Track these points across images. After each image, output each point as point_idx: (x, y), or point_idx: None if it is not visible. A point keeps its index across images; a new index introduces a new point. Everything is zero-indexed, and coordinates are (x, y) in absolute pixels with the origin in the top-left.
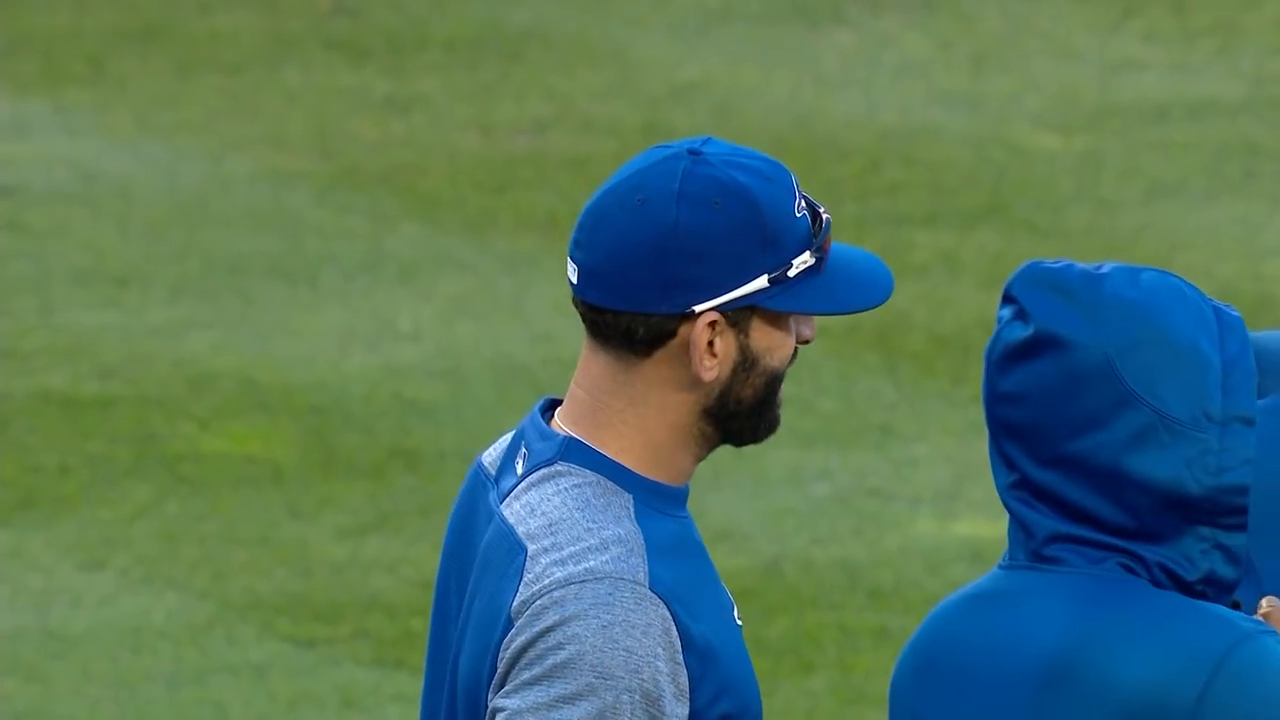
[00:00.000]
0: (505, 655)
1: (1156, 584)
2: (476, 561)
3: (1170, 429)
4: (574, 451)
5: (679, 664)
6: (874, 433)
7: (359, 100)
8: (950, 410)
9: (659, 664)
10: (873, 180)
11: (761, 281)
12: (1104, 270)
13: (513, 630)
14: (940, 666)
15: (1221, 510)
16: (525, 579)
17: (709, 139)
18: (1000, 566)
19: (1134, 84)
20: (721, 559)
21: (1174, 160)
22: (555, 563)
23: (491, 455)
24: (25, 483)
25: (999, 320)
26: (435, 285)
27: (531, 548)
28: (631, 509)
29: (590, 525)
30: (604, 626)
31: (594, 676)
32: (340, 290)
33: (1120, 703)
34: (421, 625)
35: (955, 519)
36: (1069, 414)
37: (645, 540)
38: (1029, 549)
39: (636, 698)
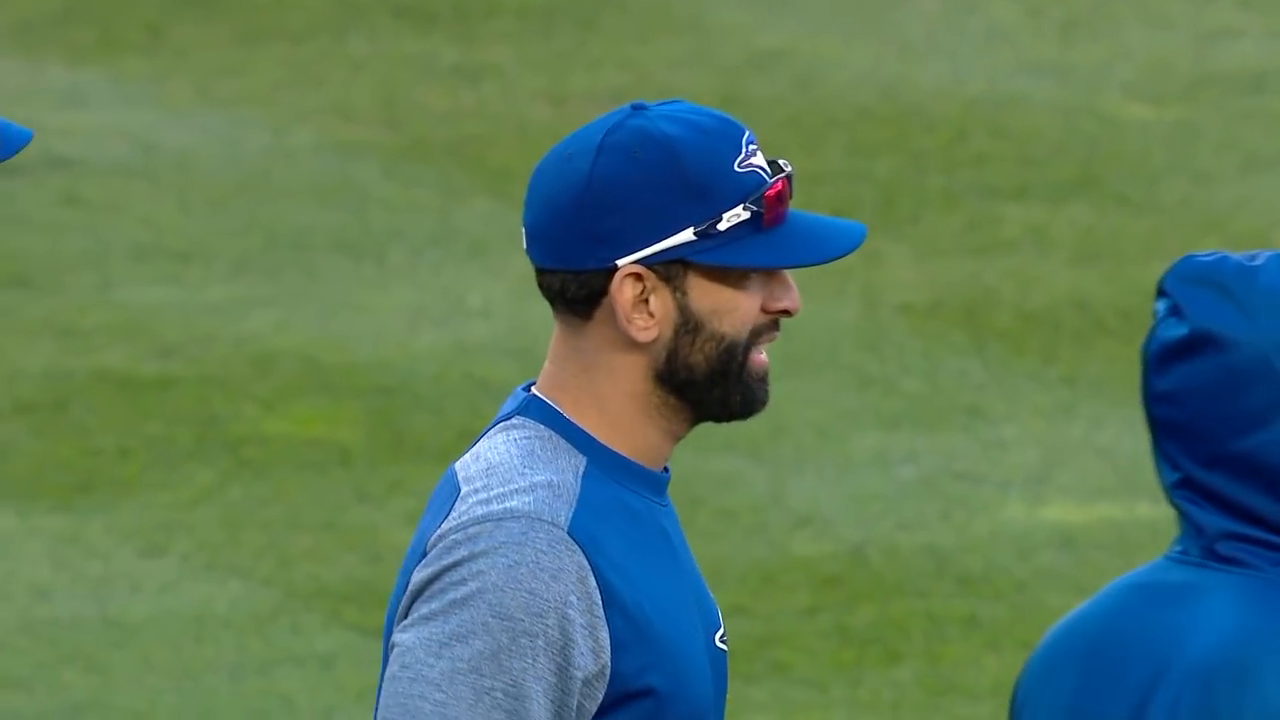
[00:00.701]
0: (411, 587)
1: None
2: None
3: None
4: (534, 408)
5: (597, 617)
6: (961, 414)
7: (427, 69)
8: (1040, 390)
9: (569, 611)
10: (960, 151)
11: (687, 234)
12: (1259, 261)
13: (423, 561)
14: (1106, 655)
15: None
16: (450, 515)
17: (678, 100)
18: (1170, 557)
19: (1229, 52)
20: (804, 545)
21: (1272, 131)
22: (480, 501)
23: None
24: (84, 465)
25: (1155, 315)
26: (506, 261)
27: (465, 489)
28: (581, 469)
29: (525, 470)
30: (510, 566)
31: (491, 615)
32: (408, 266)
33: (1265, 715)
34: None
35: (1045, 503)
36: (1229, 414)
37: (581, 495)
38: (1201, 545)
39: (539, 643)
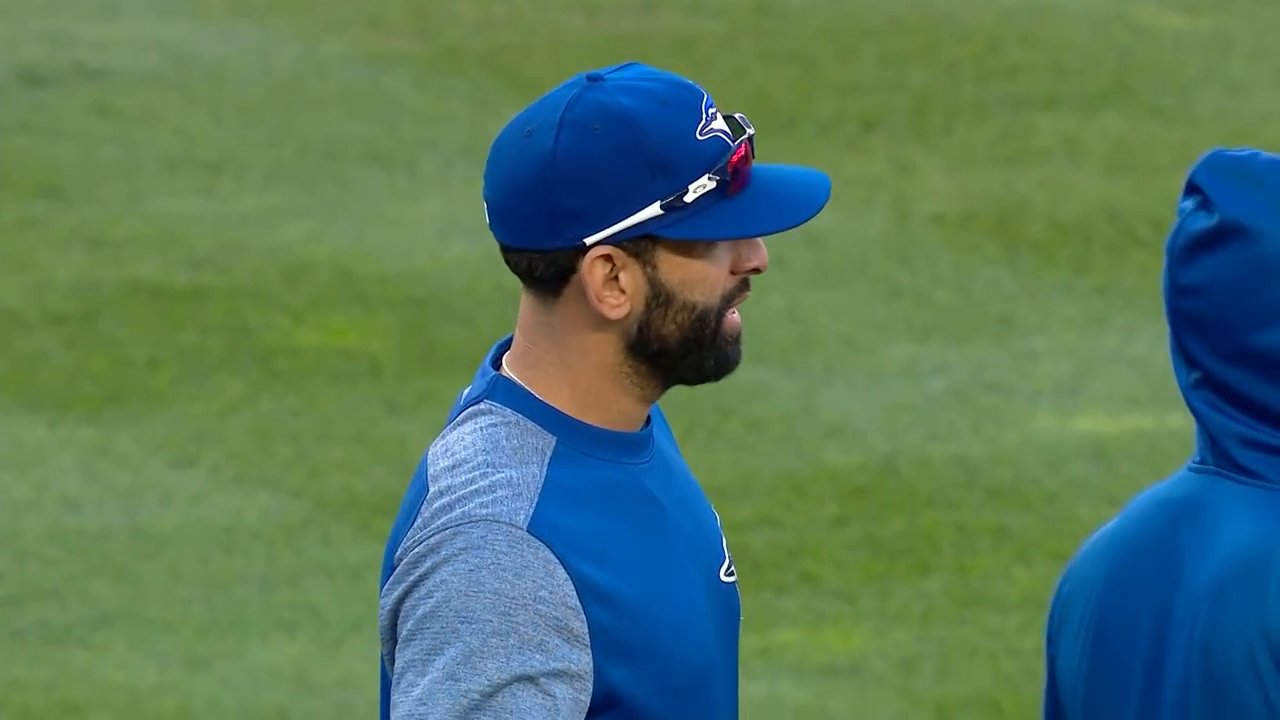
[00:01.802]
0: (388, 608)
1: None
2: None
3: None
4: (500, 390)
5: (571, 609)
6: (992, 325)
7: None
8: (1072, 301)
9: (540, 607)
10: (992, 61)
11: (654, 209)
12: None
13: (392, 578)
14: (1129, 574)
15: None
16: (416, 523)
17: (633, 64)
18: (1190, 467)
19: None
20: (834, 456)
21: None
22: (441, 507)
23: (468, 389)
24: (114, 377)
25: (1181, 212)
26: None
27: (432, 489)
28: (549, 452)
29: (487, 468)
30: (470, 570)
31: (459, 621)
32: (440, 177)
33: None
34: None
35: (1077, 414)
36: (1255, 306)
37: (546, 484)
38: (1216, 452)
39: (510, 641)
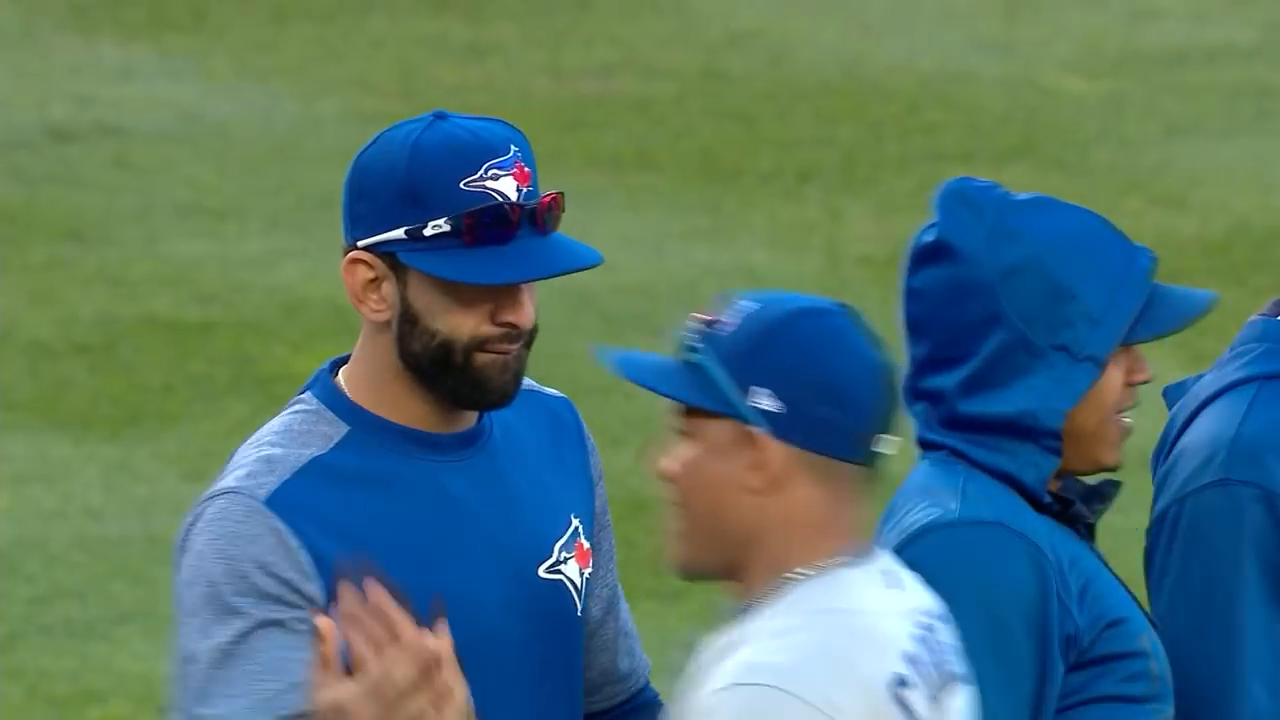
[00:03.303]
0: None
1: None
2: None
3: (1031, 351)
4: (317, 383)
5: (306, 575)
6: None
7: (439, 46)
8: None
9: (273, 570)
10: (913, 120)
11: (399, 233)
12: (1023, 199)
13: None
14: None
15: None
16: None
17: (496, 119)
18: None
19: (1155, 31)
20: None
21: (1191, 102)
22: (211, 481)
23: None
24: (132, 400)
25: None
26: None
27: (225, 469)
28: (336, 439)
29: (263, 445)
30: (212, 540)
31: (205, 585)
32: None
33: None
34: None
35: None
36: (953, 321)
37: (309, 464)
38: (918, 436)
39: (248, 600)
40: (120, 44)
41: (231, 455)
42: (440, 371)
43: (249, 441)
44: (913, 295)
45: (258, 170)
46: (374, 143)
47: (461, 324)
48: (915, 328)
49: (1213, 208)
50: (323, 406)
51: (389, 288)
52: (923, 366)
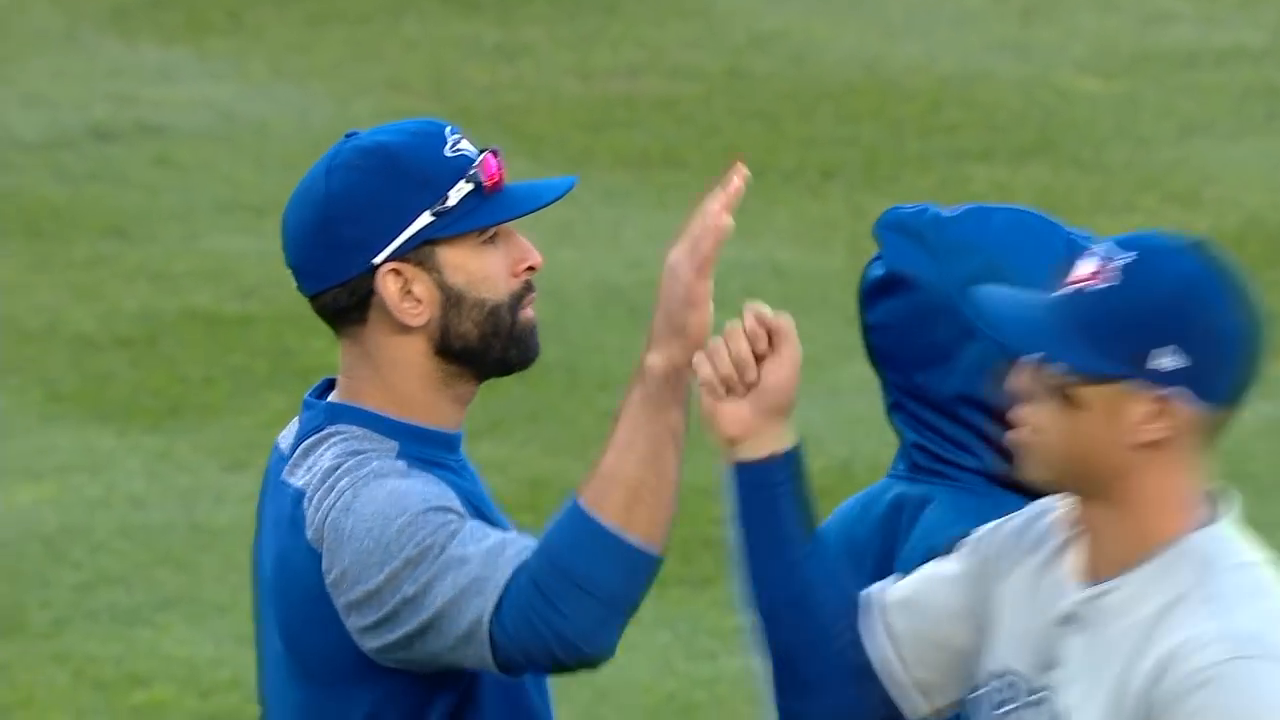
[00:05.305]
0: (354, 596)
1: None
2: (266, 521)
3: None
4: (339, 414)
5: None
6: None
7: (471, 48)
8: None
9: (441, 491)
10: (933, 120)
11: (426, 218)
12: (956, 214)
13: (321, 562)
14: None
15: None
16: (309, 518)
17: (385, 124)
18: (890, 475)
19: (1168, 33)
20: None
21: (1204, 102)
22: (329, 486)
23: (285, 434)
24: (174, 392)
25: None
26: (540, 215)
27: (309, 494)
28: (394, 453)
29: (356, 455)
30: (391, 485)
31: (409, 510)
32: None
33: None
34: (531, 521)
35: None
36: (919, 346)
37: (398, 457)
38: (907, 461)
39: (453, 508)
40: (160, 46)
41: (298, 500)
42: (493, 341)
43: (326, 473)
44: (876, 330)
45: (295, 168)
46: (317, 179)
47: (499, 285)
48: (884, 359)
49: (1225, 204)
50: (365, 430)
51: (421, 286)
52: (904, 393)
